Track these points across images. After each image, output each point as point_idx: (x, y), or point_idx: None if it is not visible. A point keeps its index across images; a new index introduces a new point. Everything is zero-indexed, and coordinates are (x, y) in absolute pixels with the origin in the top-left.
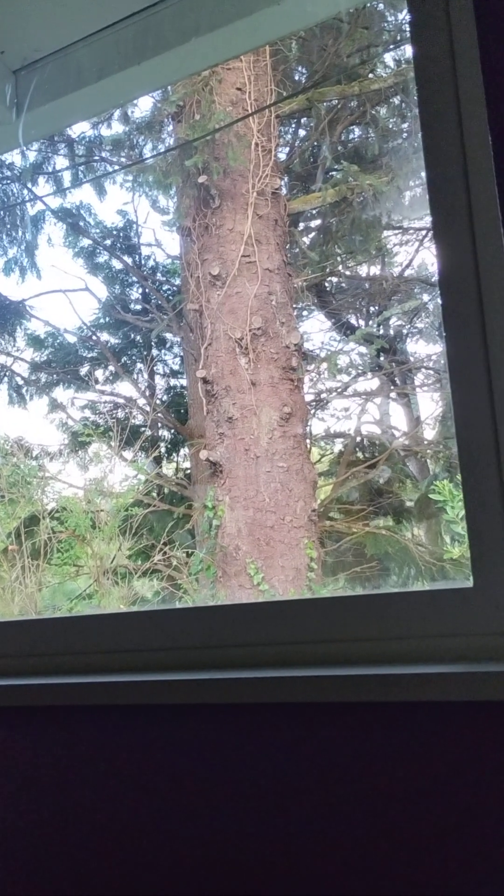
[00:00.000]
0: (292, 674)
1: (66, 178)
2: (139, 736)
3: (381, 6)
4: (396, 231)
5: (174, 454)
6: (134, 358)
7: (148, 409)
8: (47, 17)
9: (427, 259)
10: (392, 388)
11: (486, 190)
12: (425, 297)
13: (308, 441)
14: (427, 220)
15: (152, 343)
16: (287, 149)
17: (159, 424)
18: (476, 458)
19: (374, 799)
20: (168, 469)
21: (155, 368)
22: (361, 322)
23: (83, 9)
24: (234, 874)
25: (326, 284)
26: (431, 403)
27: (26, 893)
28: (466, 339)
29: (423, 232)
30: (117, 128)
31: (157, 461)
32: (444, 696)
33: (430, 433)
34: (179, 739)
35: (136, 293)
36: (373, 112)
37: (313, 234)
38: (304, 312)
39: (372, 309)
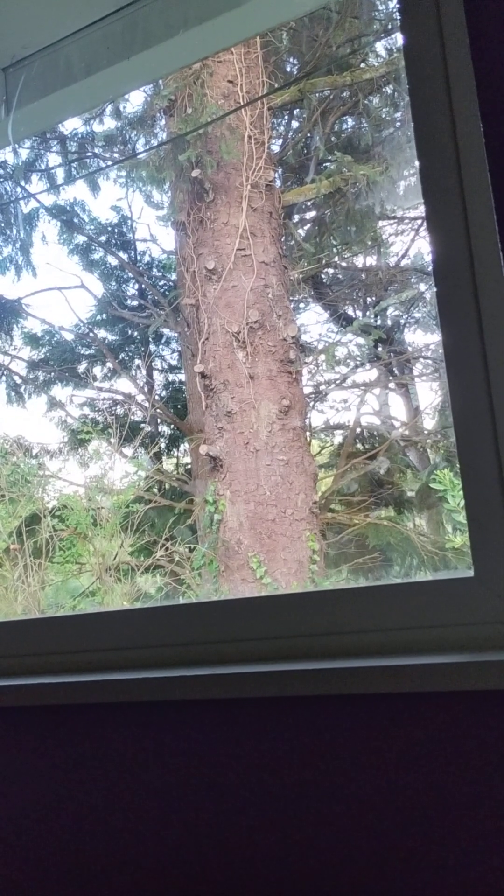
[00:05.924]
0: (295, 667)
1: (60, 175)
2: (145, 733)
3: None
4: (391, 221)
5: (174, 450)
6: (131, 354)
7: (147, 405)
8: (35, 14)
9: (423, 248)
10: (390, 378)
11: (478, 176)
12: (422, 287)
13: (308, 433)
14: (422, 210)
15: (149, 339)
16: (280, 141)
17: (158, 420)
18: (474, 448)
19: (379, 791)
20: (168, 465)
21: (153, 364)
22: (358, 313)
23: (71, 4)
24: (242, 872)
25: (323, 276)
26: (430, 393)
27: (29, 892)
28: (462, 327)
29: (419, 221)
30: (109, 123)
31: (157, 457)
32: (447, 686)
33: (429, 423)
34: (185, 736)
35: (132, 289)
36: (365, 102)
37: (308, 225)
38: (301, 305)
39: (369, 299)
